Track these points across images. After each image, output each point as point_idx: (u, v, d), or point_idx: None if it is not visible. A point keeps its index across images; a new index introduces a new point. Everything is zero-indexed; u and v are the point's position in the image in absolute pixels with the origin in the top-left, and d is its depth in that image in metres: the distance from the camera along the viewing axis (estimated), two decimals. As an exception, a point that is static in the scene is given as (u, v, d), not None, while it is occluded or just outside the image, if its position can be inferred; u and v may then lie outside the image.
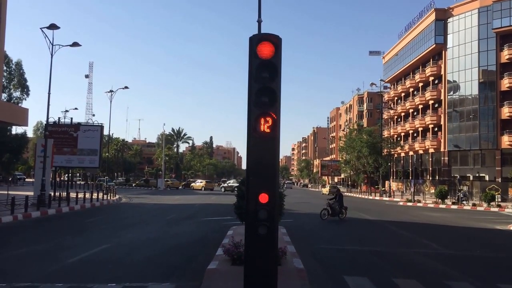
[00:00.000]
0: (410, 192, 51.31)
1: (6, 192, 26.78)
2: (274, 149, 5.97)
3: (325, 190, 70.94)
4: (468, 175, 58.36)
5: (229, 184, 70.67)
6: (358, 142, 65.96)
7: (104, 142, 51.22)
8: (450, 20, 61.90)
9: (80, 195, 32.97)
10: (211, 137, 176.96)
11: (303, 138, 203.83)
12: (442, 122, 63.70)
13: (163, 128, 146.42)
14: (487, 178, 56.12)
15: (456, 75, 61.21)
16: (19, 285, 9.13)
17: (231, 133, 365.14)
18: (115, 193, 42.19)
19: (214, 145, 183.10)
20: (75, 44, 30.07)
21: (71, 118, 41.64)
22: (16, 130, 62.38)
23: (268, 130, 5.90)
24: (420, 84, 71.51)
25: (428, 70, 67.47)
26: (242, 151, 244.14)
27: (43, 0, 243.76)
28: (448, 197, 44.19)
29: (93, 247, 13.95)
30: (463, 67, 59.72)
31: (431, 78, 67.65)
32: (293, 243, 14.12)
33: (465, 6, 59.67)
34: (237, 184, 70.14)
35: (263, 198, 5.84)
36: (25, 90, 60.48)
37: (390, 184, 61.01)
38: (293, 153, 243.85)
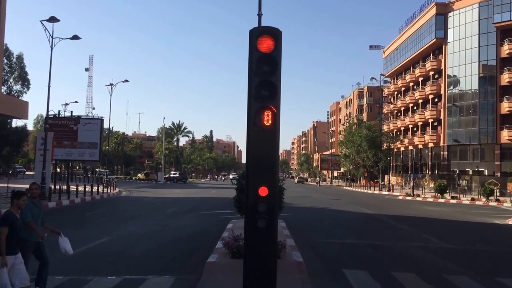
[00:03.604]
0: (409, 187, 51.40)
1: (6, 185, 26.80)
2: (274, 143, 5.97)
3: (296, 180, 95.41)
4: (467, 169, 58.40)
5: (170, 175, 78.53)
6: (358, 136, 65.99)
7: (104, 135, 51.22)
8: (450, 14, 61.72)
9: (81, 188, 33.01)
10: (211, 131, 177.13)
11: (303, 132, 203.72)
12: (441, 117, 63.65)
13: (163, 122, 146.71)
14: (486, 172, 56.11)
15: (456, 70, 61.10)
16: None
17: (231, 127, 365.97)
18: (115, 186, 42.25)
19: (214, 139, 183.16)
20: (75, 37, 30.06)
21: (71, 111, 41.73)
22: (16, 123, 62.40)
23: (268, 124, 5.89)
24: (420, 79, 71.37)
25: (428, 65, 67.33)
26: (242, 145, 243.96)
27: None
28: (447, 191, 44.24)
29: (93, 240, 13.99)
30: (463, 61, 59.60)
31: (431, 73, 67.52)
32: (293, 237, 14.18)
33: (465, 1, 59.41)
34: (177, 175, 74.94)
35: (263, 191, 5.84)
36: (26, 83, 60.41)
37: (389, 178, 61.06)
38: (293, 147, 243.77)
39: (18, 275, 6.70)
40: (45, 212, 23.03)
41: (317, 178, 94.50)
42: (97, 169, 70.38)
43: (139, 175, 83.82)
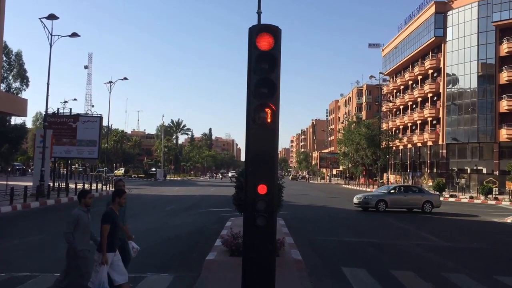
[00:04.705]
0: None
1: (5, 182, 26.80)
2: (273, 141, 5.95)
3: (290, 177, 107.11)
4: (466, 168, 58.47)
5: (150, 172, 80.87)
6: (357, 134, 66.00)
7: (103, 133, 51.21)
8: (449, 13, 61.73)
9: (80, 186, 32.96)
10: (210, 129, 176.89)
11: (302, 130, 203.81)
12: (440, 115, 63.70)
13: (162, 120, 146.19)
14: (484, 171, 56.21)
15: (455, 68, 61.14)
16: (19, 274, 9.18)
17: (230, 125, 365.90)
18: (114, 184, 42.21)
19: (213, 137, 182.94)
20: (74, 35, 30.04)
21: (70, 109, 41.67)
22: (15, 120, 62.36)
23: (267, 122, 5.89)
24: (419, 77, 71.40)
25: (427, 63, 67.35)
26: (241, 143, 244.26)
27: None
28: (446, 189, 44.29)
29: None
30: (462, 60, 59.63)
31: (430, 71, 67.55)
32: (292, 235, 14.21)
33: (465, -1, 59.52)
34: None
35: (262, 189, 5.83)
36: (25, 80, 60.32)
37: (388, 176, 61.10)
38: (292, 145, 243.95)
39: (118, 271, 6.85)
40: (44, 209, 22.99)
41: (306, 175, 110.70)
42: (100, 169, 70.40)
43: (116, 171, 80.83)
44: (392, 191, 27.63)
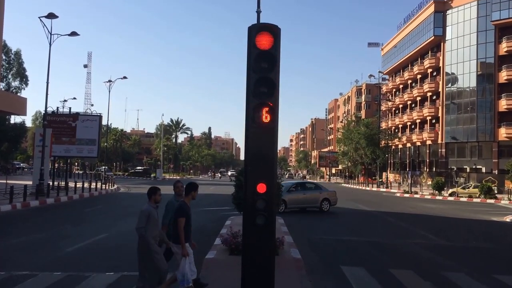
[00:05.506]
0: (407, 184, 51.46)
1: (5, 181, 26.79)
2: (273, 140, 5.96)
3: (287, 176, 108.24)
4: (465, 167, 58.50)
5: (135, 170, 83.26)
6: (356, 133, 65.99)
7: (102, 132, 51.18)
8: (449, 12, 61.72)
9: (79, 185, 32.99)
10: (209, 128, 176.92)
11: (301, 129, 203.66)
12: (440, 114, 63.70)
13: (161, 119, 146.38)
14: (483, 170, 56.23)
15: (455, 67, 61.13)
16: (18, 273, 9.18)
17: (229, 124, 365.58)
18: (113, 183, 42.21)
19: (212, 136, 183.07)
20: (73, 34, 30.02)
21: (70, 108, 41.59)
22: (14, 119, 62.35)
23: (266, 121, 5.89)
24: (419, 76, 71.39)
25: (427, 62, 67.33)
26: (241, 142, 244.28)
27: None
28: (445, 188, 44.31)
29: (92, 236, 14.00)
30: (462, 59, 59.62)
31: (429, 70, 67.53)
32: (291, 233, 14.22)
33: (464, -2, 59.48)
34: (141, 171, 78.71)
35: (261, 188, 5.84)
36: (24, 79, 60.29)
37: (387, 175, 61.12)
38: (291, 144, 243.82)
39: (191, 265, 7.16)
40: (43, 208, 22.97)
41: (303, 174, 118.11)
42: (100, 168, 70.26)
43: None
44: (292, 189, 24.26)
